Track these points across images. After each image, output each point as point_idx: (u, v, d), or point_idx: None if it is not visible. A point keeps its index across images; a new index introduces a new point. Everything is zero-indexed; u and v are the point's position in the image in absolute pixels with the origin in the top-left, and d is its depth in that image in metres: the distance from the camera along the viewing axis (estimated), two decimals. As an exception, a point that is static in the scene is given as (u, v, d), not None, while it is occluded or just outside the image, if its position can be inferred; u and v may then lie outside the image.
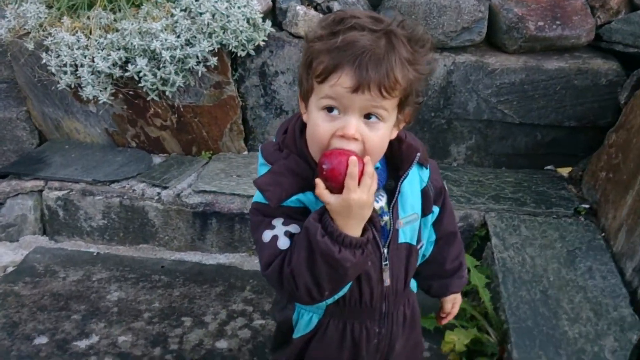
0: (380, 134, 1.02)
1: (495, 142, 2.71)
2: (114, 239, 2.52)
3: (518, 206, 2.37)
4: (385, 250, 1.14)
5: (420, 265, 1.32)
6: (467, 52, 2.64)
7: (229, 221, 2.41)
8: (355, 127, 0.99)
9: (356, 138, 0.99)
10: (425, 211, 1.24)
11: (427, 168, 1.23)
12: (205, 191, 2.45)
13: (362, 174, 0.98)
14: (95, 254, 2.44)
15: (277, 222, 1.06)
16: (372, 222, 1.07)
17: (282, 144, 1.13)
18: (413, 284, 1.33)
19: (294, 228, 1.05)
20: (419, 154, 1.13)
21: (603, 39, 2.63)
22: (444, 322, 1.45)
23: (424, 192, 1.23)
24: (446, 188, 1.34)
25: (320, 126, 1.01)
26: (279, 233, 1.05)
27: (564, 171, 2.68)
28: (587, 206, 2.39)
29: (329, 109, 1.00)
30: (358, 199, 0.97)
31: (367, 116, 1.00)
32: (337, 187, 0.98)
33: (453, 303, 1.41)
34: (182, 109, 2.62)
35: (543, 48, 2.60)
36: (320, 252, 0.98)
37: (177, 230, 2.47)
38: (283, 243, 1.04)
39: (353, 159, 0.97)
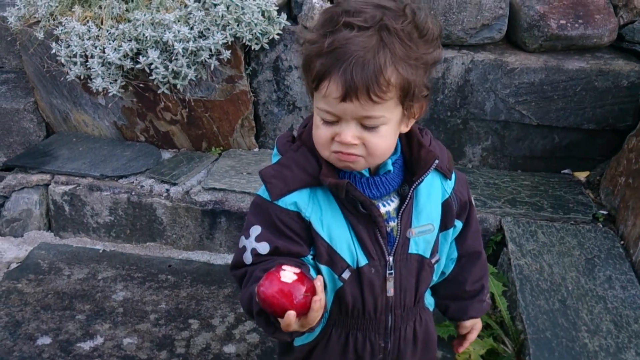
0: (382, 136, 0.98)
1: (512, 143, 2.64)
2: (121, 236, 2.47)
3: (535, 211, 2.31)
4: (391, 259, 1.09)
5: (438, 284, 1.26)
6: (486, 50, 2.57)
7: (238, 220, 2.36)
8: (352, 135, 0.97)
9: (355, 144, 0.97)
10: (446, 225, 1.18)
11: (450, 179, 1.17)
12: (214, 189, 2.39)
13: (304, 309, 0.93)
14: (101, 251, 2.40)
15: (254, 231, 1.06)
16: (378, 226, 1.05)
17: (298, 137, 1.10)
18: (429, 302, 1.27)
19: (262, 247, 1.05)
20: (436, 161, 1.07)
21: (625, 39, 2.55)
22: (461, 350, 1.35)
23: (446, 204, 1.16)
24: (473, 203, 1.26)
25: (320, 129, 1.00)
26: (248, 246, 1.06)
27: (582, 175, 2.62)
28: (605, 212, 2.33)
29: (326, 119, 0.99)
30: (296, 329, 0.96)
31: (363, 123, 0.97)
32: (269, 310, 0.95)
33: (471, 328, 1.32)
34: (192, 103, 2.56)
35: (564, 47, 2.53)
36: (257, 322, 1.02)
37: (186, 228, 2.42)
38: (247, 258, 1.06)
39: (291, 314, 0.91)
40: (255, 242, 1.05)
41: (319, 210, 1.06)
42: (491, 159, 2.68)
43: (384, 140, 0.99)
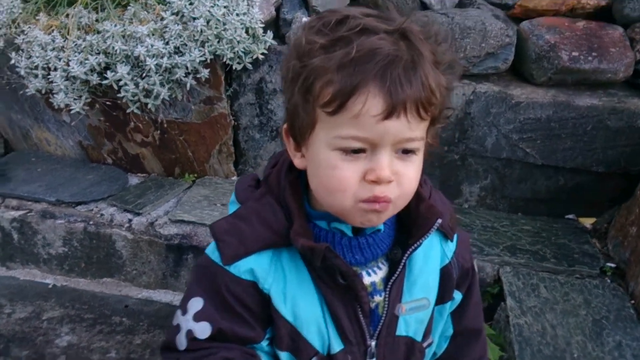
0: (416, 168, 0.78)
1: (513, 184, 2.43)
2: (74, 270, 2.23)
3: (537, 261, 2.09)
4: (373, 343, 0.86)
5: None
6: (490, 80, 2.36)
7: (207, 257, 2.12)
8: (389, 168, 0.74)
9: (392, 180, 0.75)
10: (444, 297, 0.95)
11: (452, 240, 0.94)
12: (183, 221, 2.16)
13: None
14: (50, 286, 2.16)
15: (193, 305, 0.84)
16: (360, 302, 0.83)
17: (264, 180, 0.88)
18: None
19: (201, 329, 0.82)
20: (439, 221, 0.84)
21: (642, 76, 2.36)
22: None
23: (445, 272, 0.93)
24: (476, 270, 1.02)
25: (341, 169, 0.74)
26: (183, 326, 0.85)
27: (587, 222, 2.41)
28: (613, 265, 2.11)
29: (355, 151, 0.74)
30: None
31: (402, 150, 0.75)
32: None
33: None
34: (166, 125, 2.34)
35: (575, 82, 2.33)
36: None
37: (147, 264, 2.18)
38: (180, 342, 0.85)
39: None
40: (192, 322, 0.83)
41: (282, 280, 0.83)
42: (489, 200, 2.47)
43: (417, 174, 0.79)
